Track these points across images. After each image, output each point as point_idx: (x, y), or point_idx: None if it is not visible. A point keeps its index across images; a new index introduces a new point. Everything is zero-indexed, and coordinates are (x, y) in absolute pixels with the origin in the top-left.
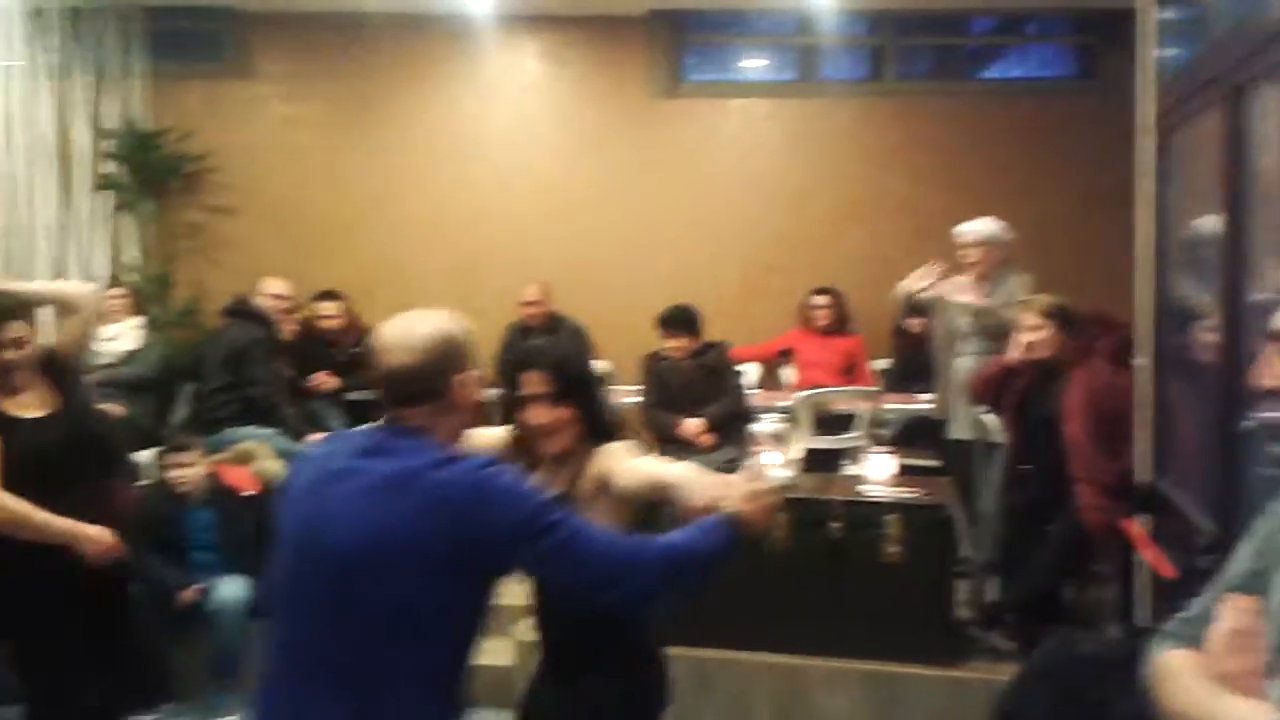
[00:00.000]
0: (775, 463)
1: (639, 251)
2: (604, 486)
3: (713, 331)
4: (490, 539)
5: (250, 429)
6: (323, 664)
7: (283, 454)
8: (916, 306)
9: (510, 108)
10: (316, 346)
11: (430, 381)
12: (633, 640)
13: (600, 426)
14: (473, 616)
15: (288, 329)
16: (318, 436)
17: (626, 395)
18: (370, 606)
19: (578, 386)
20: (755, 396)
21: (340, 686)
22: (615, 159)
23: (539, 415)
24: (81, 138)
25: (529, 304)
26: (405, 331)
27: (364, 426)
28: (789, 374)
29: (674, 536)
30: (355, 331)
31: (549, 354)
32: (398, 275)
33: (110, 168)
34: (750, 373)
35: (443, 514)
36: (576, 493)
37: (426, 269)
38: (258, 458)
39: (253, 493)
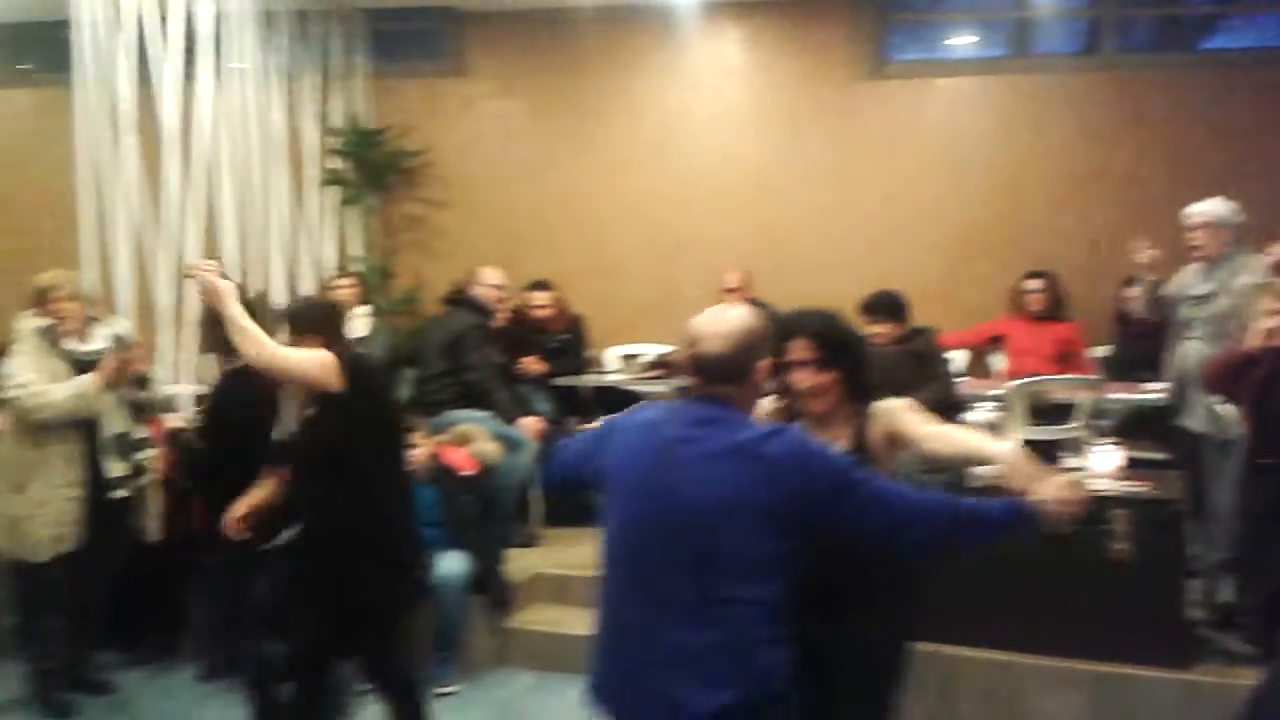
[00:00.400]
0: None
1: (841, 237)
2: (895, 444)
3: (918, 317)
4: (814, 498)
5: (467, 412)
6: (676, 599)
7: (497, 436)
8: (1157, 301)
9: (711, 95)
10: (527, 333)
11: (738, 366)
12: (899, 584)
13: (861, 388)
14: (797, 559)
15: (501, 316)
16: (527, 420)
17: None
18: (717, 553)
19: (840, 352)
20: (964, 384)
21: (694, 617)
22: (817, 143)
23: (804, 379)
24: (310, 136)
25: (730, 290)
26: (717, 323)
27: (671, 401)
28: (998, 361)
29: (972, 501)
30: (563, 319)
31: (814, 322)
32: (603, 263)
33: (336, 164)
34: (958, 360)
35: (777, 480)
36: (865, 450)
37: (630, 257)
38: (475, 439)
39: (471, 473)
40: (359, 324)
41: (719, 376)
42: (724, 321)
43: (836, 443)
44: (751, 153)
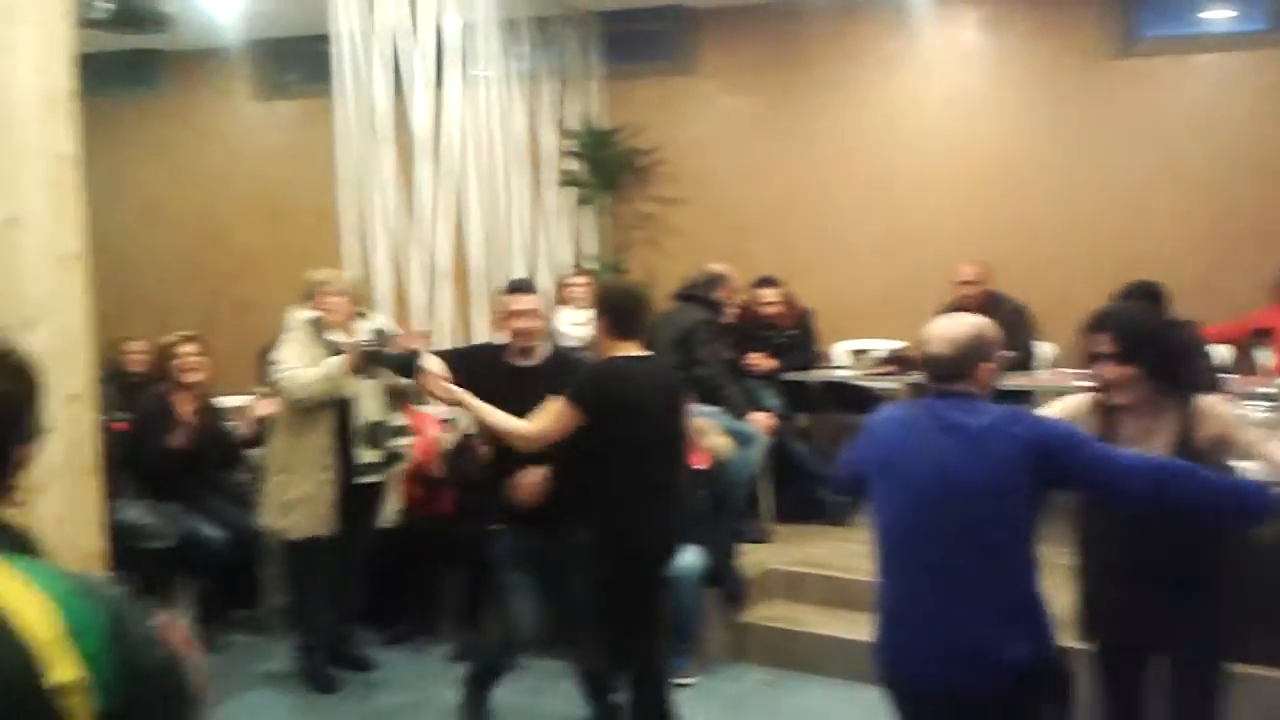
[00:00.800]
0: None
1: (1088, 225)
2: (1222, 448)
3: (1175, 309)
4: (1053, 459)
5: (698, 406)
6: (964, 569)
7: (727, 431)
8: None
9: (947, 81)
10: (755, 329)
11: (960, 367)
12: (1203, 567)
13: (1175, 382)
14: (1039, 519)
15: (730, 312)
16: (758, 415)
17: (1079, 379)
18: (990, 524)
19: (1143, 346)
20: (1230, 381)
21: (982, 583)
22: (1061, 127)
23: (1106, 371)
24: (548, 139)
25: (965, 283)
26: (946, 329)
27: (911, 398)
28: (1264, 356)
29: (1219, 476)
30: (792, 314)
31: (1117, 316)
32: (833, 256)
33: (572, 165)
34: (1220, 354)
35: (1027, 453)
36: (1190, 447)
37: (861, 249)
38: (707, 434)
39: (703, 467)
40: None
41: (944, 376)
42: (951, 328)
43: (1157, 437)
44: (989, 140)
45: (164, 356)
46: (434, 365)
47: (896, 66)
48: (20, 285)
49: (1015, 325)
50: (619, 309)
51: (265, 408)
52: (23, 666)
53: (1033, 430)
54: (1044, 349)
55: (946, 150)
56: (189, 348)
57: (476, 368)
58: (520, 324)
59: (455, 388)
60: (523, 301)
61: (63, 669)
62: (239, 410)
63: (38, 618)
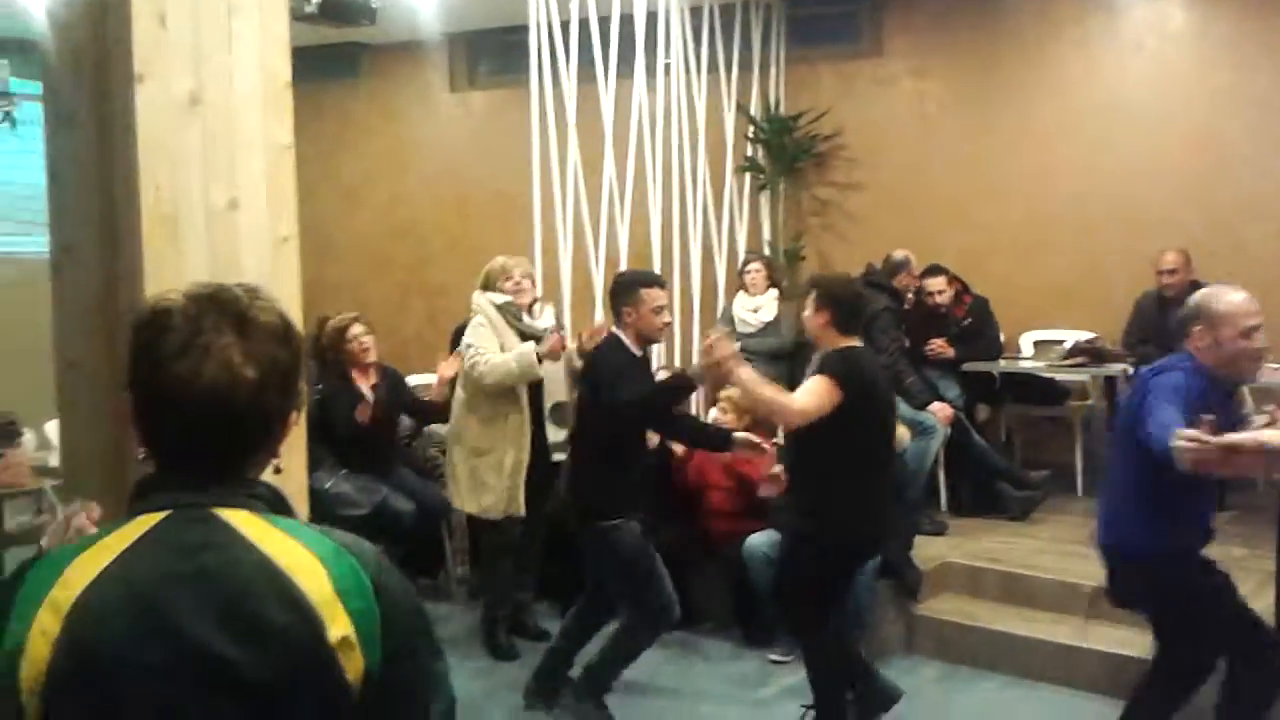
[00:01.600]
0: None
1: None
2: None
3: None
4: (1140, 399)
5: None
6: (1110, 478)
7: (906, 421)
8: None
9: (1150, 62)
10: (930, 318)
11: (1176, 330)
12: None
13: None
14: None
15: (908, 299)
16: (937, 405)
17: None
18: (1128, 449)
19: None
20: None
21: (1112, 489)
22: (1271, 111)
23: None
24: (728, 125)
25: (1166, 273)
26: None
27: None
28: None
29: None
30: (966, 303)
31: None
32: (1020, 243)
33: (750, 151)
34: None
35: (1140, 404)
36: None
37: (1051, 236)
38: None
39: None
40: (769, 308)
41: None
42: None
43: None
44: (1192, 122)
45: (338, 338)
46: (727, 347)
47: (1094, 45)
48: (239, 265)
49: None
50: (844, 303)
51: (449, 368)
52: (308, 625)
53: (1148, 386)
54: None
55: (1146, 134)
56: (358, 328)
57: (622, 365)
58: (668, 317)
59: (739, 368)
60: (666, 296)
61: (338, 626)
62: (426, 388)
63: (313, 577)
